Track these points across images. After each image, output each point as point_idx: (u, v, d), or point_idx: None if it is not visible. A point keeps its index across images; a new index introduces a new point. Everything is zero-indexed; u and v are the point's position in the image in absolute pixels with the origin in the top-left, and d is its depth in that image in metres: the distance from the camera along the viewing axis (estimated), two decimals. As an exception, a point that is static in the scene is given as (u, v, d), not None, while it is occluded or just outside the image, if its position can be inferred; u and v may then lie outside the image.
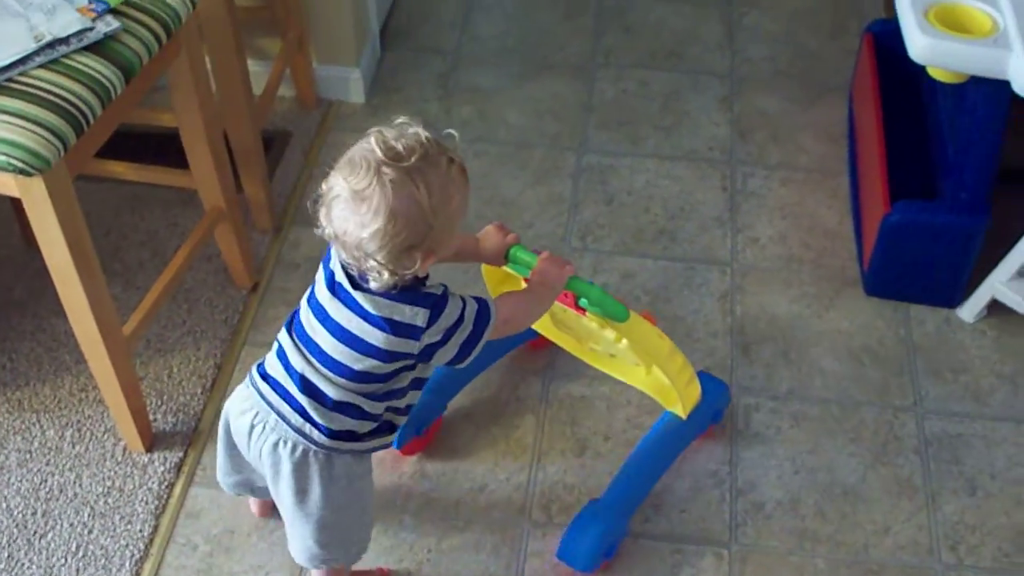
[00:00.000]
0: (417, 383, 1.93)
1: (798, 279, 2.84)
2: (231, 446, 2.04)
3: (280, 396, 1.88)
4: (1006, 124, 2.59)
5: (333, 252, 1.81)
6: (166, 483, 2.42)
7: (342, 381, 1.82)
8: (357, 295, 1.76)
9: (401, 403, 1.93)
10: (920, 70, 2.52)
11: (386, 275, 1.70)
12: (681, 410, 2.32)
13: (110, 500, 2.39)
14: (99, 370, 2.33)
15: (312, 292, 1.85)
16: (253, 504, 2.35)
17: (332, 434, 1.86)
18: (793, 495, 2.42)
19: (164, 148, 2.75)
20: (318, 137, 3.19)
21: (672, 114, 3.28)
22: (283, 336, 1.89)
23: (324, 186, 1.71)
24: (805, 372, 2.64)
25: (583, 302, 2.06)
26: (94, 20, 2.11)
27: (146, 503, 2.38)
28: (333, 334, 1.80)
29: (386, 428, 1.95)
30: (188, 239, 2.56)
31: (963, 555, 2.32)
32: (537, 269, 1.98)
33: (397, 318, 1.75)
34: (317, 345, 1.82)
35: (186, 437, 2.49)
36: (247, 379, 1.95)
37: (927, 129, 2.99)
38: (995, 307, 2.73)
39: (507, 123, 3.24)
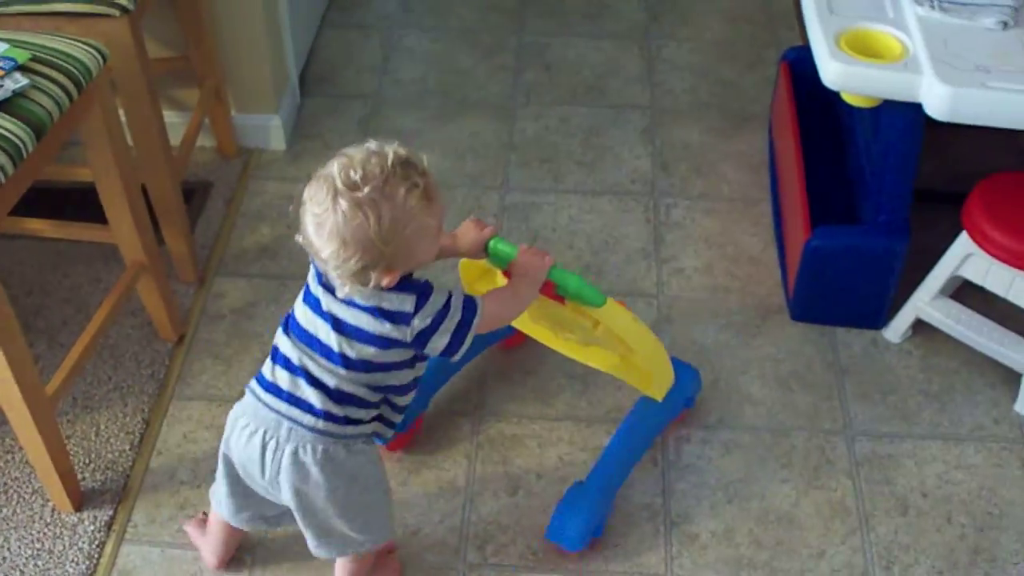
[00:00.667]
0: (417, 383, 2.02)
1: (725, 308, 2.85)
2: (235, 483, 2.08)
3: (288, 402, 1.92)
4: (921, 146, 2.62)
5: None
6: (96, 542, 2.38)
7: (342, 371, 1.89)
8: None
9: (399, 400, 2.01)
10: (836, 96, 2.54)
11: (347, 287, 1.80)
12: (657, 393, 2.36)
13: (39, 563, 2.35)
14: (23, 432, 2.29)
15: (307, 289, 1.93)
16: (211, 556, 2.32)
17: (343, 420, 1.92)
18: (728, 524, 2.42)
19: (85, 203, 2.72)
20: (239, 186, 3.17)
21: (594, 149, 3.30)
22: (280, 340, 1.96)
23: (303, 194, 1.81)
24: (735, 401, 2.64)
25: (561, 290, 2.11)
26: (2, 78, 2.09)
27: (76, 564, 2.34)
28: (330, 325, 1.87)
29: (384, 421, 2.03)
30: (110, 294, 2.53)
31: (897, 574, 2.33)
32: (518, 262, 2.04)
33: (386, 306, 1.83)
34: (316, 338, 1.90)
35: (116, 494, 2.46)
36: (246, 403, 1.98)
37: (846, 153, 3.03)
38: (920, 326, 2.76)
39: (429, 165, 3.23)
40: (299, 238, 1.81)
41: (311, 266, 1.91)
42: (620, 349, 2.28)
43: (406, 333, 1.85)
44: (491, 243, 2.07)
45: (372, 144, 1.80)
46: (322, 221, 1.75)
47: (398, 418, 2.05)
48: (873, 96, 2.51)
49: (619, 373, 2.33)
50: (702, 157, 3.27)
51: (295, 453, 1.93)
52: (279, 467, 1.96)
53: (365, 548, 2.12)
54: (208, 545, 2.31)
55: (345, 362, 1.88)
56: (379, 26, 3.78)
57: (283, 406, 1.93)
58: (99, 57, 2.29)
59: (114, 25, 2.47)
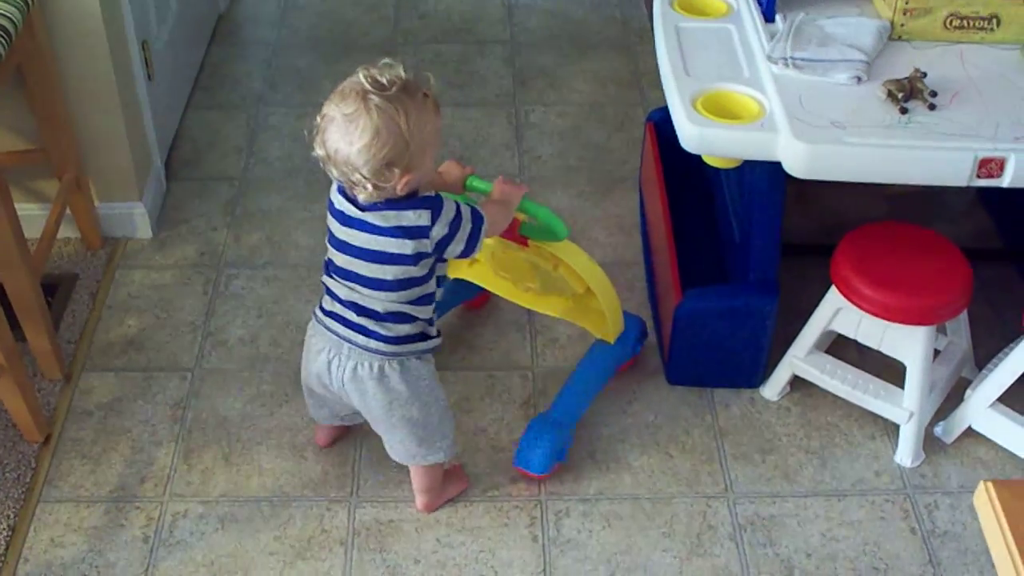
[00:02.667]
0: (438, 280, 2.25)
1: (601, 375, 2.82)
2: (311, 392, 2.41)
3: (344, 325, 2.20)
4: (784, 203, 2.63)
5: (333, 191, 2.14)
6: (-41, 662, 2.28)
7: (383, 294, 2.15)
8: (366, 216, 2.07)
9: (430, 309, 2.25)
10: (701, 158, 2.54)
11: (370, 187, 2.01)
12: (609, 335, 2.64)
13: None
14: None
15: (331, 233, 2.16)
16: (319, 433, 2.63)
17: (395, 340, 2.19)
18: (613, 598, 2.38)
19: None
20: (105, 277, 3.09)
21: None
22: (326, 279, 2.23)
23: (318, 117, 2.03)
24: (613, 470, 2.61)
25: (525, 229, 2.40)
26: None
27: None
28: (362, 257, 2.11)
29: (425, 331, 2.26)
30: (-36, 400, 2.44)
31: (785, 639, 2.31)
32: (498, 189, 2.31)
33: (405, 224, 2.06)
34: (354, 272, 2.14)
35: (-20, 608, 2.36)
36: (312, 324, 2.29)
37: (714, 213, 3.03)
38: (797, 382, 2.76)
39: (297, 245, 3.19)
40: (318, 150, 2.04)
41: (329, 214, 2.15)
42: (579, 288, 2.54)
43: (427, 245, 2.08)
44: (469, 180, 2.34)
45: (384, 60, 2.04)
46: (354, 118, 1.96)
47: (433, 323, 2.29)
48: (733, 157, 2.52)
49: (573, 317, 2.63)
50: (574, 221, 3.25)
51: (355, 369, 2.22)
52: (342, 381, 2.25)
53: (427, 461, 2.37)
54: (317, 431, 2.64)
55: (385, 285, 2.13)
56: (244, 106, 3.74)
57: (340, 328, 2.21)
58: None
59: (-43, 122, 2.40)
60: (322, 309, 2.26)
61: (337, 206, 2.13)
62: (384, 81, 1.99)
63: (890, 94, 2.48)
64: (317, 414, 2.52)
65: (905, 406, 2.62)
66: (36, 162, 3.01)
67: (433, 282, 2.20)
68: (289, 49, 4.02)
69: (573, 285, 2.55)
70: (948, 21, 2.68)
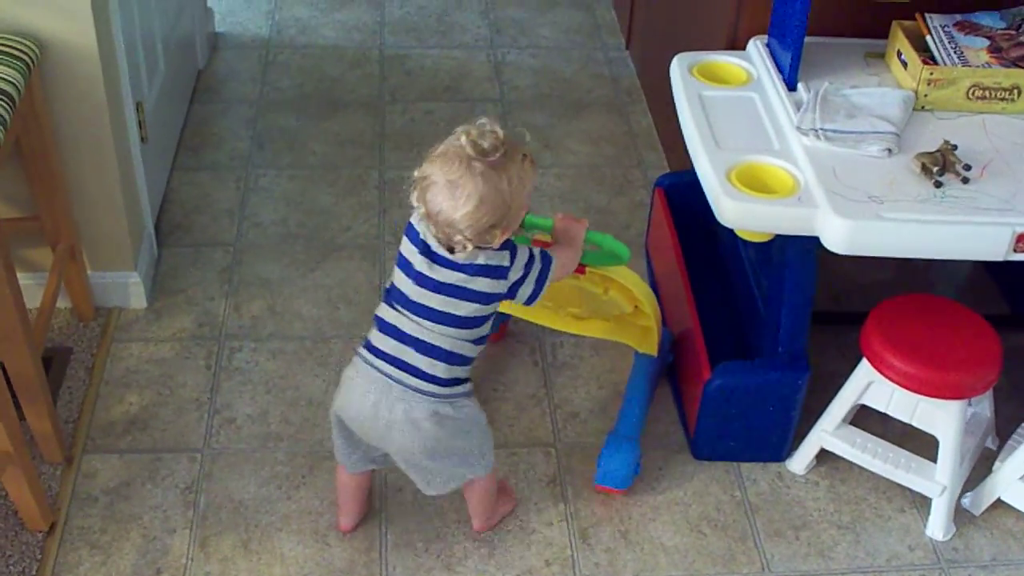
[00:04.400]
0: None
1: (625, 451, 2.76)
2: (346, 435, 2.33)
3: (397, 366, 2.19)
4: (816, 276, 2.59)
5: (420, 226, 2.14)
6: None
7: (450, 331, 2.16)
8: (456, 255, 2.10)
9: (480, 350, 2.28)
10: (717, 225, 2.49)
11: (470, 247, 2.07)
12: (651, 348, 2.76)
13: None
14: None
15: (407, 265, 2.16)
16: (343, 518, 2.53)
17: (447, 383, 2.20)
18: None
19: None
20: (100, 350, 2.97)
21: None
22: (386, 312, 2.22)
23: (417, 173, 2.08)
24: (648, 552, 2.54)
25: (586, 259, 2.45)
26: None
27: None
28: (439, 291, 2.14)
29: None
30: (-27, 493, 2.32)
31: None
32: (560, 228, 2.36)
33: (492, 263, 2.12)
34: (425, 306, 2.16)
35: None
36: (357, 365, 2.24)
37: (730, 282, 2.98)
38: (824, 456, 2.71)
39: (301, 316, 3.09)
40: (418, 212, 2.09)
41: (409, 244, 2.15)
42: (628, 307, 2.64)
43: (503, 285, 2.15)
44: (527, 217, 2.32)
45: (481, 120, 2.09)
46: (459, 184, 2.02)
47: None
48: (769, 231, 2.48)
49: (615, 336, 2.76)
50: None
51: (407, 413, 2.19)
52: (389, 423, 2.21)
53: (470, 476, 2.38)
54: (340, 508, 2.53)
55: (455, 321, 2.15)
56: (232, 166, 3.63)
57: (392, 370, 2.19)
58: (-47, 239, 2.11)
59: (-36, 199, 2.29)
60: (371, 348, 2.24)
61: (421, 236, 2.15)
62: (486, 146, 2.04)
63: (924, 167, 2.46)
64: (347, 459, 2.41)
65: (938, 480, 2.59)
66: (29, 231, 2.89)
67: (489, 324, 2.24)
68: (273, 107, 3.92)
69: (622, 305, 2.65)
70: (971, 92, 2.67)
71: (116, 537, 2.53)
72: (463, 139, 2.05)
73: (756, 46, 2.87)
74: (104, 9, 2.76)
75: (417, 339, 2.18)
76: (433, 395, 2.20)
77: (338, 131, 3.80)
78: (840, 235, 2.34)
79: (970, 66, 2.66)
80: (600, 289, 2.60)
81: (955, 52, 2.69)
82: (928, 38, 2.73)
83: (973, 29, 2.77)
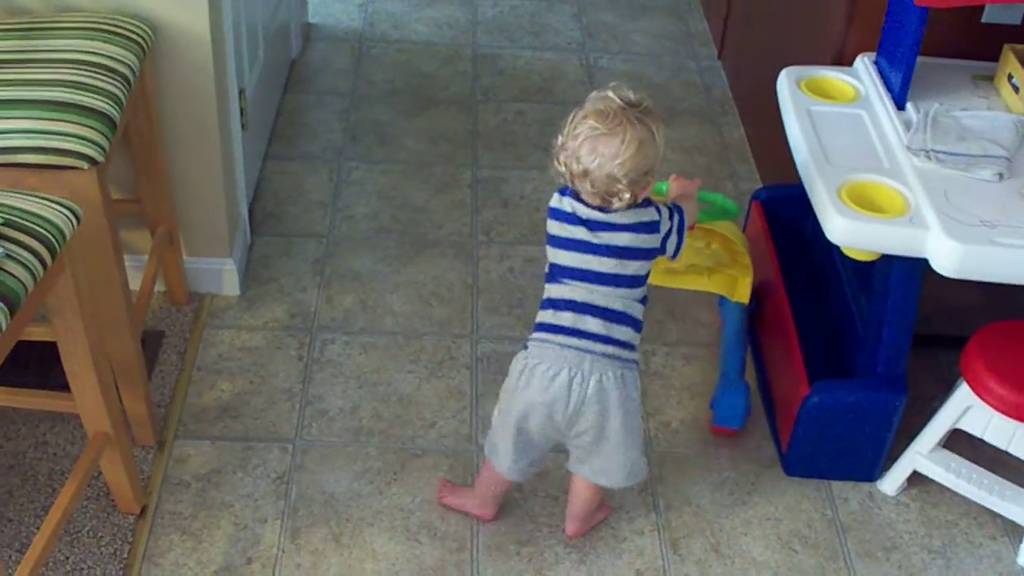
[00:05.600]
0: None
1: (717, 464, 2.75)
2: (524, 439, 2.37)
3: (581, 337, 2.24)
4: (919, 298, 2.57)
5: (563, 202, 2.23)
6: None
7: (621, 291, 2.24)
8: (612, 216, 2.19)
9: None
10: (816, 240, 2.48)
11: (627, 196, 2.15)
12: (743, 296, 2.86)
13: None
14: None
15: (566, 241, 2.23)
16: (487, 507, 2.58)
17: (625, 345, 2.27)
18: None
19: (23, 362, 2.53)
20: (193, 336, 2.99)
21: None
22: (554, 290, 2.28)
23: (560, 139, 2.18)
24: (739, 566, 2.53)
25: (706, 209, 2.60)
26: (-22, 249, 1.92)
27: None
28: (609, 255, 2.21)
29: None
30: (73, 473, 2.33)
31: None
32: (675, 186, 2.42)
33: (645, 219, 2.22)
34: (593, 272, 2.23)
35: None
36: (535, 354, 2.28)
37: (826, 297, 2.96)
38: (915, 477, 2.69)
39: (392, 311, 3.10)
40: (572, 166, 2.15)
41: (559, 223, 2.22)
42: (727, 258, 2.81)
43: (657, 239, 2.24)
44: None
45: (613, 83, 2.19)
46: (618, 132, 2.11)
47: None
48: (878, 251, 2.46)
49: (709, 287, 2.87)
50: (674, 302, 3.17)
51: (599, 381, 2.25)
52: (584, 397, 2.26)
53: (643, 474, 2.45)
54: (478, 499, 2.57)
55: (621, 281, 2.23)
56: (324, 158, 3.64)
57: (578, 342, 2.24)
58: (72, 219, 2.14)
59: (81, 178, 2.31)
60: (548, 328, 2.28)
61: (570, 210, 2.22)
62: (634, 98, 2.16)
63: (1036, 193, 2.43)
64: (516, 467, 2.42)
65: (1032, 509, 2.56)
66: (130, 213, 2.91)
67: (647, 283, 2.33)
68: (366, 100, 3.93)
69: (722, 256, 2.81)
70: (1084, 117, 2.63)
71: (207, 524, 2.54)
72: (610, 94, 2.16)
73: (864, 63, 2.85)
74: (216, -5, 2.78)
75: (593, 305, 2.25)
76: (619, 359, 2.27)
77: (430, 128, 3.80)
78: (952, 258, 2.32)
79: (1084, 92, 2.63)
80: (703, 243, 2.76)
81: (1068, 77, 2.66)
82: (1040, 62, 2.70)
83: (1087, 54, 2.74)
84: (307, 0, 4.30)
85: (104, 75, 2.41)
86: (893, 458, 2.71)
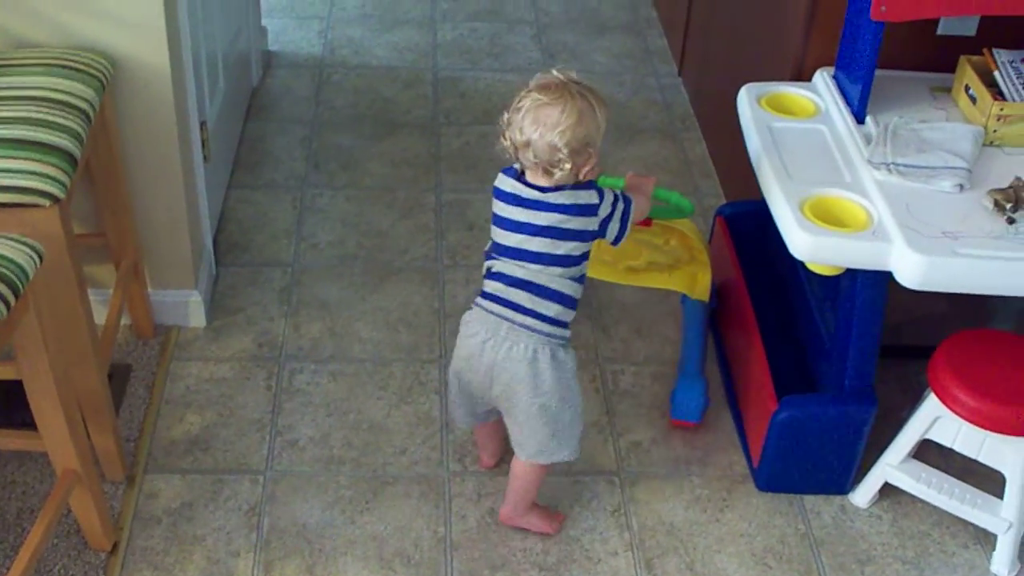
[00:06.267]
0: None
1: (689, 482, 2.75)
2: (457, 384, 2.49)
3: (504, 305, 2.35)
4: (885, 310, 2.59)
5: (505, 182, 2.33)
6: None
7: (552, 269, 2.32)
8: (548, 196, 2.28)
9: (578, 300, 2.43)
10: (780, 255, 2.49)
11: (568, 166, 2.23)
12: (703, 294, 2.92)
13: None
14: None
15: (504, 220, 2.33)
16: (484, 454, 2.75)
17: (550, 320, 2.35)
18: None
19: None
20: (160, 369, 2.98)
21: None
22: (492, 263, 2.38)
23: (507, 116, 2.27)
24: (714, 584, 2.53)
25: (653, 212, 2.64)
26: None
27: None
28: (540, 235, 2.30)
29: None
30: (43, 512, 2.31)
31: None
32: (631, 184, 2.52)
33: (582, 202, 2.30)
34: (527, 250, 2.32)
35: None
36: (473, 313, 2.41)
37: (791, 311, 2.97)
38: (886, 489, 2.70)
39: (360, 338, 3.09)
40: (515, 137, 2.24)
41: (499, 201, 2.33)
42: (686, 255, 2.85)
43: (595, 222, 2.31)
44: (600, 178, 2.49)
45: (559, 67, 2.31)
46: (559, 103, 2.20)
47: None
48: (842, 265, 2.47)
49: (669, 285, 2.92)
50: (641, 320, 3.18)
51: (510, 349, 2.35)
52: (494, 361, 2.36)
53: (555, 457, 2.48)
54: (481, 447, 2.75)
55: (556, 260, 2.31)
56: (288, 186, 3.64)
57: (500, 309, 2.35)
58: (35, 257, 2.13)
59: (43, 216, 2.30)
60: (483, 295, 2.40)
61: (510, 190, 2.32)
62: (575, 76, 2.27)
63: (996, 204, 2.46)
64: (462, 415, 2.57)
65: (1004, 516, 2.58)
66: (94, 247, 2.90)
67: (586, 264, 2.39)
68: (328, 126, 3.93)
69: (681, 253, 2.86)
70: (1040, 127, 2.66)
71: (179, 559, 2.53)
72: (553, 72, 2.27)
73: (823, 78, 2.87)
74: (176, 26, 2.77)
75: (524, 280, 2.34)
76: (539, 332, 2.34)
77: (393, 152, 3.80)
78: (915, 271, 2.34)
79: (1039, 102, 2.66)
80: (662, 240, 2.81)
81: (1023, 88, 2.69)
82: (996, 73, 2.73)
83: (1041, 65, 2.76)
84: (267, 28, 4.29)
85: (64, 111, 2.41)
86: (864, 470, 2.72)
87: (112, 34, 2.65)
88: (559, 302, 2.36)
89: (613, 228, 2.35)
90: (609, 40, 4.53)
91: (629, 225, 2.37)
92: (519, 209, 2.31)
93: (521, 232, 2.31)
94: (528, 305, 2.34)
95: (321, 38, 4.44)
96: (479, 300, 2.41)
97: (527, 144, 2.23)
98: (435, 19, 4.62)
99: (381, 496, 2.67)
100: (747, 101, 2.82)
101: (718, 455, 2.82)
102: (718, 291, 3.05)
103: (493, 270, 2.39)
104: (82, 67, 2.55)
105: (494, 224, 2.37)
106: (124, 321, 3.06)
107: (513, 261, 2.34)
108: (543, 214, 2.29)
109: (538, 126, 2.21)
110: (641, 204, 2.45)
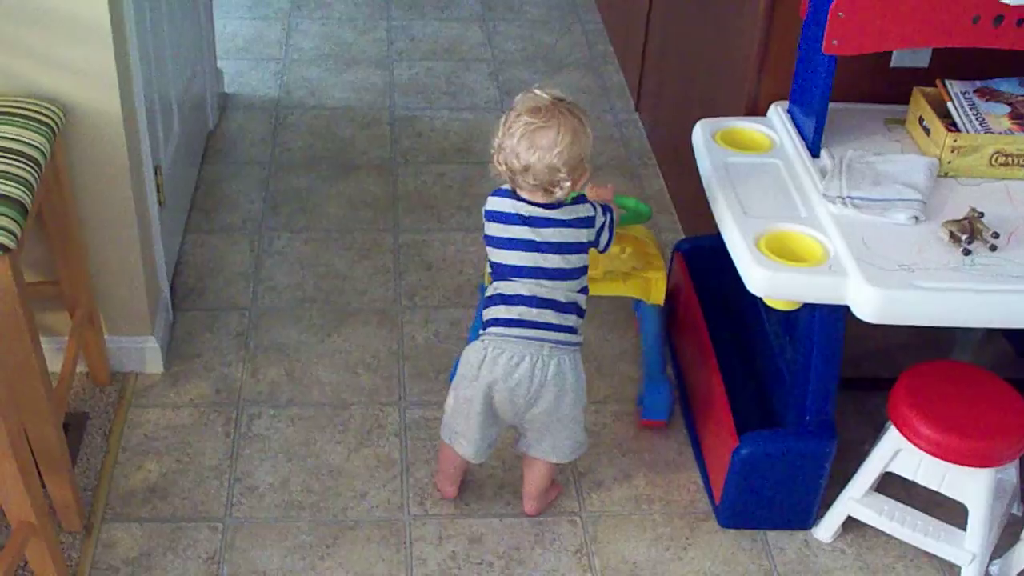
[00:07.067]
0: None
1: (651, 520, 2.74)
2: (486, 420, 2.51)
3: (535, 327, 2.42)
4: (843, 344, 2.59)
5: (502, 203, 2.41)
6: None
7: (566, 283, 2.42)
8: (551, 212, 2.38)
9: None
10: (737, 290, 2.49)
11: (568, 184, 2.33)
12: (658, 298, 2.97)
13: None
14: None
15: (509, 242, 2.41)
16: (448, 486, 2.74)
17: (573, 331, 2.45)
18: None
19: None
20: (118, 416, 2.94)
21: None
22: (503, 286, 2.44)
23: (497, 140, 2.35)
24: (679, 623, 2.52)
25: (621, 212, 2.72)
26: None
27: None
28: (549, 251, 2.39)
29: None
30: (-3, 566, 2.28)
31: None
32: (592, 194, 2.58)
33: (581, 215, 2.42)
34: (543, 268, 2.40)
35: None
36: (488, 346, 2.43)
37: (750, 346, 2.97)
38: (850, 523, 2.70)
39: (319, 381, 3.07)
40: (500, 167, 2.36)
41: (500, 225, 2.39)
42: (641, 262, 2.92)
43: (592, 233, 2.44)
44: None
45: (537, 85, 2.39)
46: (553, 124, 2.29)
47: None
48: (799, 300, 2.47)
49: (626, 292, 2.96)
50: (602, 358, 3.17)
51: (558, 365, 2.43)
52: (544, 381, 2.43)
53: (583, 449, 2.61)
54: (443, 480, 2.73)
55: (565, 274, 2.41)
56: (245, 229, 3.61)
57: (536, 332, 2.41)
58: (-18, 309, 2.09)
59: (-7, 267, 2.27)
60: (501, 323, 2.44)
61: (511, 210, 2.40)
62: (559, 93, 2.35)
63: (952, 235, 2.47)
64: (476, 449, 2.56)
65: (967, 548, 2.57)
66: (47, 295, 2.87)
67: (587, 273, 2.49)
68: (285, 168, 3.91)
69: (636, 261, 2.92)
70: (994, 158, 2.68)
71: (138, 609, 2.49)
72: (536, 91, 2.35)
73: (777, 112, 2.88)
74: (127, 72, 2.75)
75: (544, 299, 2.41)
76: (569, 344, 2.45)
77: (351, 193, 3.79)
78: (872, 304, 2.35)
79: (992, 133, 2.67)
80: (618, 248, 2.83)
81: (977, 119, 2.70)
82: (949, 104, 2.75)
83: (993, 96, 2.78)
84: (222, 71, 4.28)
85: (14, 160, 2.38)
86: (827, 504, 2.71)
87: (63, 81, 2.63)
88: (576, 314, 2.46)
89: (604, 237, 2.48)
90: (566, 76, 4.54)
91: (614, 233, 2.50)
92: (525, 228, 2.38)
93: (536, 251, 2.39)
94: (556, 322, 2.42)
95: (277, 79, 4.43)
96: (501, 331, 2.44)
97: (526, 168, 2.31)
98: (391, 58, 4.62)
99: (341, 541, 2.64)
100: (701, 137, 2.82)
101: (680, 492, 2.80)
102: (671, 291, 3.09)
103: (507, 293, 2.43)
104: (32, 115, 2.53)
105: (497, 247, 2.43)
106: (80, 368, 3.03)
107: (532, 280, 2.41)
108: (551, 230, 2.38)
109: (535, 150, 2.29)
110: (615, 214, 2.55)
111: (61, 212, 2.72)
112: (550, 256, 2.39)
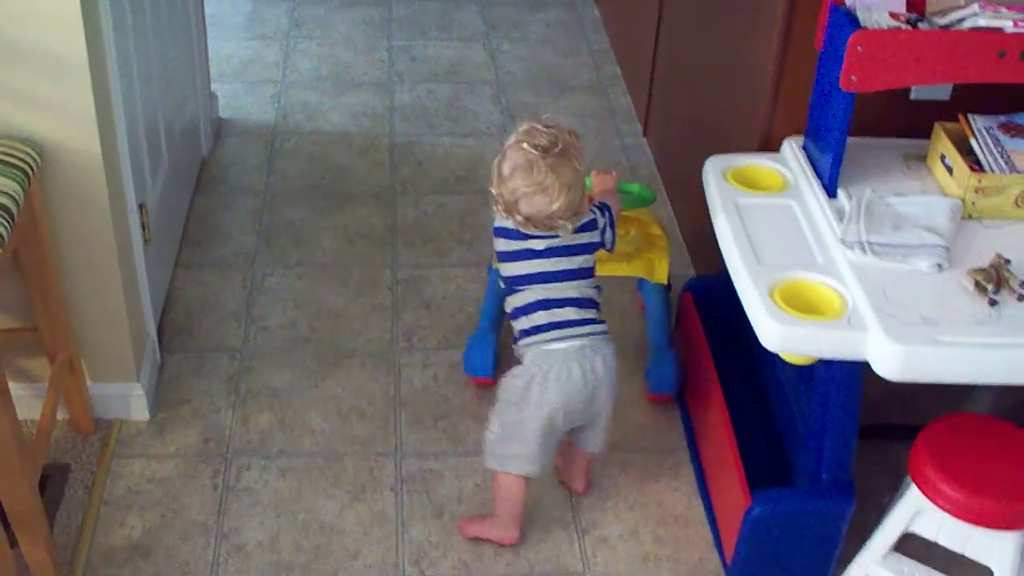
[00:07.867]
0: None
1: (659, 581, 2.60)
2: (548, 435, 2.51)
3: (572, 327, 2.47)
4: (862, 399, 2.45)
5: (509, 222, 2.44)
6: None
7: (574, 282, 2.48)
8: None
9: None
10: (750, 332, 2.36)
11: (570, 225, 2.41)
12: (663, 278, 3.06)
13: None
14: None
15: (519, 253, 2.46)
16: (513, 531, 2.65)
17: (598, 322, 2.51)
18: None
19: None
20: (100, 468, 2.81)
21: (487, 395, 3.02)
22: (518, 297, 2.50)
23: (494, 191, 2.42)
24: None
25: (625, 197, 2.83)
26: None
27: None
28: (565, 254, 2.46)
29: None
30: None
31: None
32: (597, 184, 2.66)
33: (585, 221, 2.47)
34: (553, 271, 2.46)
35: None
36: (537, 361, 2.47)
37: (764, 394, 2.84)
38: (864, 582, 2.56)
39: (312, 430, 2.93)
40: (502, 213, 2.42)
41: (505, 240, 2.44)
42: (645, 244, 3.03)
43: (597, 235, 2.50)
44: None
45: (523, 127, 2.43)
46: (545, 185, 2.35)
47: None
48: (816, 355, 2.33)
49: (630, 272, 3.05)
50: (617, 407, 3.02)
51: (604, 360, 2.48)
52: (597, 380, 2.48)
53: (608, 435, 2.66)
54: (503, 524, 2.64)
55: (572, 275, 2.47)
56: (237, 264, 3.48)
57: (571, 332, 2.46)
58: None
59: (-40, 322, 2.14)
60: (529, 332, 2.49)
61: (513, 227, 2.43)
62: (547, 143, 2.36)
63: (977, 284, 2.34)
64: (542, 465, 2.57)
65: (992, 612, 2.44)
66: (26, 342, 2.75)
67: (595, 269, 2.54)
68: (280, 198, 3.78)
69: (641, 242, 3.02)
70: (1019, 199, 2.54)
71: None
72: (526, 147, 2.36)
73: (791, 147, 2.74)
74: (107, 110, 2.63)
75: (558, 299, 2.46)
76: (600, 335, 2.50)
77: (348, 225, 3.65)
78: (894, 361, 2.22)
79: (1019, 172, 2.54)
80: (623, 230, 2.92)
81: (1002, 156, 2.57)
82: (972, 141, 2.61)
83: (1018, 131, 2.65)
84: (217, 95, 4.15)
85: (-18, 207, 2.26)
86: (845, 561, 2.57)
87: (38, 120, 2.51)
88: (593, 307, 2.50)
89: (608, 235, 2.53)
90: (572, 99, 4.41)
91: (616, 227, 2.55)
92: (533, 240, 2.44)
93: (536, 258, 2.45)
94: (577, 317, 2.47)
95: (274, 103, 4.30)
96: (529, 340, 2.49)
97: (527, 219, 2.39)
98: (392, 80, 4.49)
99: (330, 602, 2.51)
100: (712, 176, 2.69)
101: (689, 551, 2.67)
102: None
103: (523, 303, 2.48)
104: (5, 157, 2.41)
105: (508, 260, 2.47)
106: (62, 416, 2.90)
107: (540, 286, 2.46)
108: (557, 239, 2.44)
109: (532, 207, 2.37)
110: (615, 203, 2.60)
111: (38, 256, 2.59)
112: (565, 259, 2.46)
